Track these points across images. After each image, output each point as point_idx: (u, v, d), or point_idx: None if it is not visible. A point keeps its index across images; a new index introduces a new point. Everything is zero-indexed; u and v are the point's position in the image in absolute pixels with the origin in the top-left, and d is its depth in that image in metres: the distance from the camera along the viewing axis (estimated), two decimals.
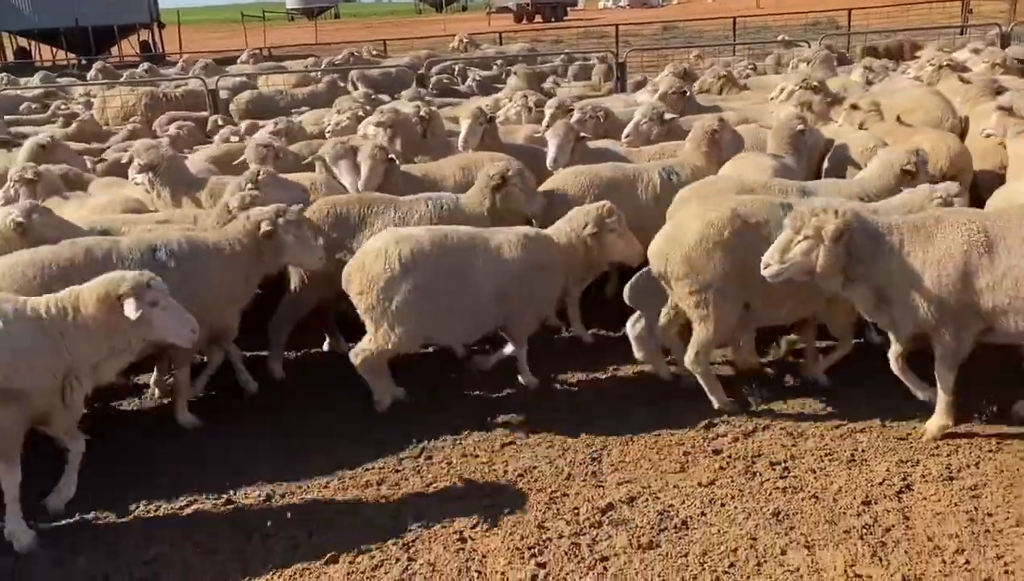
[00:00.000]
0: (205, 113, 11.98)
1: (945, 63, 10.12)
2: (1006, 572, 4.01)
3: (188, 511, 4.76)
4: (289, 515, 4.65)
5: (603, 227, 5.72)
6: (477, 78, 14.91)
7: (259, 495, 4.87)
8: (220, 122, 11.02)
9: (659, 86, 9.88)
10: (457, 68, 16.16)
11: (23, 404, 4.25)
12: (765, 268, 4.81)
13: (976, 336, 4.89)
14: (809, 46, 14.02)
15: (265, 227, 5.44)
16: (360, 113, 9.27)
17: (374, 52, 20.66)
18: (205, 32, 46.02)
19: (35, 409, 4.33)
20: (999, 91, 8.32)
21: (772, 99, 9.36)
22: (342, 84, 14.03)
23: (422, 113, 8.20)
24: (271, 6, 60.13)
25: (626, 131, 7.85)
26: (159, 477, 5.04)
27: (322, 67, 16.63)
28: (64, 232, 5.52)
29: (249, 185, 6.33)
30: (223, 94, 13.20)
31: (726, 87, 11.05)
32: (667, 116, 7.92)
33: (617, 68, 13.78)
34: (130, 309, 4.26)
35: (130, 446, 5.42)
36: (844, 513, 4.47)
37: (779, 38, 19.88)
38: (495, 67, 16.58)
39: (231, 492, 4.90)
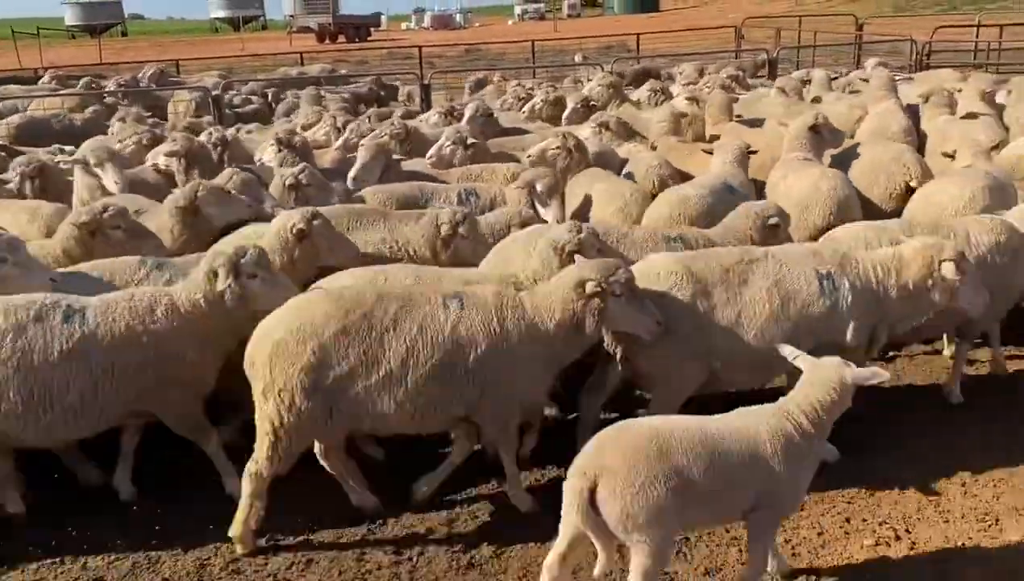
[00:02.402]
0: None
1: (721, 85, 11.07)
2: (793, 554, 4.41)
3: None
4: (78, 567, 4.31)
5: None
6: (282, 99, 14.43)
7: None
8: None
9: (449, 108, 10.23)
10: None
11: None
12: None
13: None
14: (603, 68, 14.76)
15: None
16: (144, 140, 8.62)
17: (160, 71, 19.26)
18: None
19: None
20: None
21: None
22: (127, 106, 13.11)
23: (214, 140, 7.82)
24: (47, 22, 55.53)
25: (429, 153, 7.91)
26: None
27: (107, 88, 15.50)
28: (334, 242, 5.55)
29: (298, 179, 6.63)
30: None
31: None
32: (470, 140, 8.04)
33: (422, 90, 13.90)
34: (949, 271, 4.66)
35: None
36: None
37: (576, 59, 20.82)
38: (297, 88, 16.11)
39: None
